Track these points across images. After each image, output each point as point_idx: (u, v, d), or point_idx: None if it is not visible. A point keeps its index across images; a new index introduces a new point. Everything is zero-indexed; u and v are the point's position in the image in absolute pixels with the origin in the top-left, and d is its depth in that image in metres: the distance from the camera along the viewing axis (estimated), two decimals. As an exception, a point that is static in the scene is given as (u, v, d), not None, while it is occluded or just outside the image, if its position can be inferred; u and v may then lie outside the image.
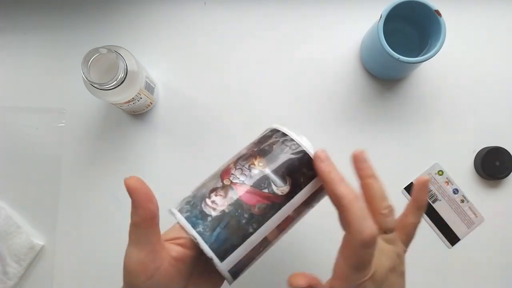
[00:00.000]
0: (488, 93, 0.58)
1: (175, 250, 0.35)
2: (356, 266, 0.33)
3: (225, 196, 0.35)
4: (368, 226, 0.32)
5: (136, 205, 0.33)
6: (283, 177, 0.36)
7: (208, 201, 0.35)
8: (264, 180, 0.36)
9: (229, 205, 0.35)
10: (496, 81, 0.58)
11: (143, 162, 0.58)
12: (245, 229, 0.35)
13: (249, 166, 0.37)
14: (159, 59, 0.59)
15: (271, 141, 0.39)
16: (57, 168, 0.58)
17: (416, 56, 0.49)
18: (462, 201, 0.56)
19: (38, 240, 0.56)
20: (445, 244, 0.56)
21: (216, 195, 0.35)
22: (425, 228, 0.56)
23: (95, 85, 0.46)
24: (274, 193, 0.36)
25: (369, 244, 0.32)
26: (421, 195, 0.41)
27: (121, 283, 0.37)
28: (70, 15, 0.60)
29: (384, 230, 0.38)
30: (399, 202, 0.56)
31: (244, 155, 0.38)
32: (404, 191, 0.57)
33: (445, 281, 0.56)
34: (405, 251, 0.40)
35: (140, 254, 0.33)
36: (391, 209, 0.38)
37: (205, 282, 0.36)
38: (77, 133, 0.58)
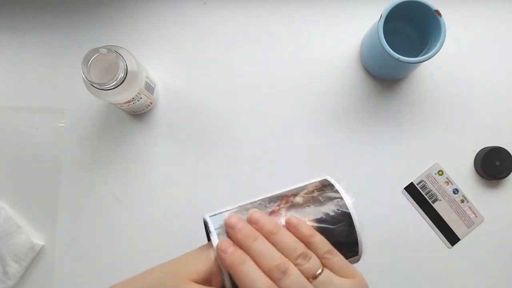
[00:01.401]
0: (488, 93, 0.58)
1: None
2: None
3: None
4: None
5: None
6: None
7: None
8: None
9: None
10: (496, 81, 0.58)
11: (143, 162, 0.58)
12: None
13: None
14: (159, 59, 0.59)
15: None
16: (57, 168, 0.58)
17: (416, 56, 0.49)
18: (462, 201, 0.56)
19: (38, 240, 0.56)
20: (445, 244, 0.56)
21: None
22: (425, 228, 0.56)
23: (95, 85, 0.46)
24: None
25: None
26: (296, 233, 0.35)
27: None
28: (70, 15, 0.60)
29: (314, 276, 0.33)
30: (399, 202, 0.57)
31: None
32: (404, 191, 0.57)
33: (445, 281, 0.56)
34: (353, 275, 0.34)
35: None
36: (304, 254, 0.33)
37: None
38: (77, 133, 0.58)
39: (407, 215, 0.56)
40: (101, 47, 0.46)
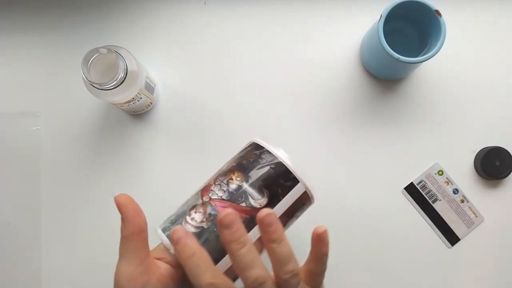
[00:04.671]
0: (488, 93, 0.58)
1: (163, 266, 0.36)
2: None
3: (204, 213, 0.36)
4: None
5: (125, 220, 0.35)
6: (260, 190, 0.37)
7: (188, 218, 0.37)
8: (241, 194, 0.36)
9: (208, 221, 0.36)
10: (496, 81, 0.58)
11: (143, 162, 0.58)
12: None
13: (227, 181, 0.38)
14: (159, 59, 0.59)
15: (249, 155, 0.39)
16: (57, 168, 0.58)
17: (416, 56, 0.49)
18: (462, 201, 0.56)
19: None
20: (445, 244, 0.56)
21: (195, 212, 0.37)
22: (425, 228, 0.56)
23: (95, 85, 0.46)
24: (251, 206, 0.36)
25: None
26: (319, 248, 0.36)
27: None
28: (70, 15, 0.60)
29: None
30: (399, 202, 0.57)
31: (223, 171, 0.39)
32: (404, 191, 0.57)
33: (445, 281, 0.56)
34: None
35: (129, 267, 0.34)
36: (293, 274, 0.34)
37: None
38: (77, 133, 0.58)
39: (407, 215, 0.56)
40: (101, 47, 0.46)
